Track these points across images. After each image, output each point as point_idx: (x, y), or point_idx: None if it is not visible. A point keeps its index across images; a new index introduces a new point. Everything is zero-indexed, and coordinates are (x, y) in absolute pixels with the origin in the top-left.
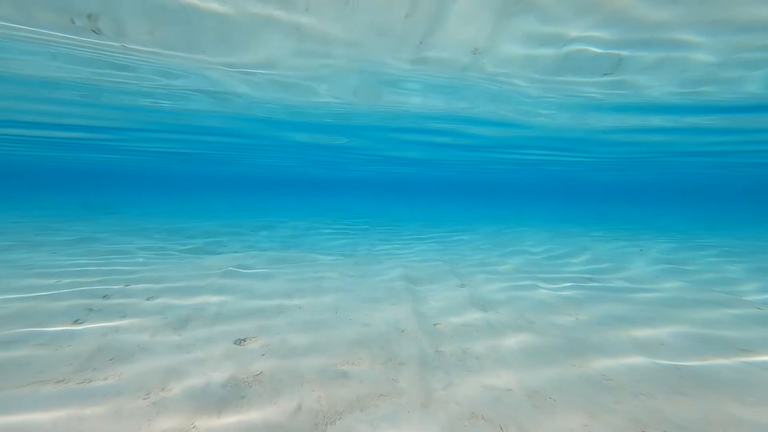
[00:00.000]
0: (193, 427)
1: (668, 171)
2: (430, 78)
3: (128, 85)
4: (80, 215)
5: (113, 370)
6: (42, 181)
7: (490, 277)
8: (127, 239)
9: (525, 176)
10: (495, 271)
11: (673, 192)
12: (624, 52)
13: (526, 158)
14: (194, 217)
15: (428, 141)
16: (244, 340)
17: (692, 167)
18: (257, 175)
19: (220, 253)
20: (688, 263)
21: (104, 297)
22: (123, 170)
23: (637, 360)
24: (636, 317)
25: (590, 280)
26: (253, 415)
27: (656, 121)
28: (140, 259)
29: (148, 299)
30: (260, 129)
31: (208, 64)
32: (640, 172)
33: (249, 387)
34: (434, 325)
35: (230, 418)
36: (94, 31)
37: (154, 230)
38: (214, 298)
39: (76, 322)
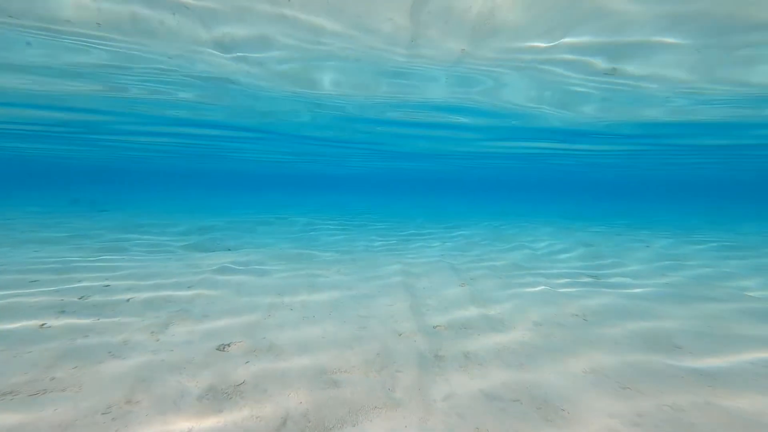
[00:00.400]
0: None
1: (668, 166)
2: (427, 69)
3: (118, 76)
4: (77, 212)
5: (74, 379)
6: (43, 179)
7: (491, 274)
8: (119, 236)
9: (524, 173)
10: (495, 268)
11: (674, 189)
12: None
13: (526, 153)
14: (192, 214)
15: (429, 135)
16: (229, 344)
17: (690, 158)
18: (256, 172)
19: (214, 250)
20: (691, 259)
21: (81, 297)
22: (123, 168)
23: (653, 363)
24: (644, 315)
25: (594, 276)
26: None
27: (656, 114)
28: (128, 256)
29: (129, 299)
30: (258, 122)
31: (198, 45)
32: (640, 169)
33: (229, 399)
34: (434, 327)
35: None
36: None
37: (149, 226)
38: (202, 297)
39: (43, 325)
